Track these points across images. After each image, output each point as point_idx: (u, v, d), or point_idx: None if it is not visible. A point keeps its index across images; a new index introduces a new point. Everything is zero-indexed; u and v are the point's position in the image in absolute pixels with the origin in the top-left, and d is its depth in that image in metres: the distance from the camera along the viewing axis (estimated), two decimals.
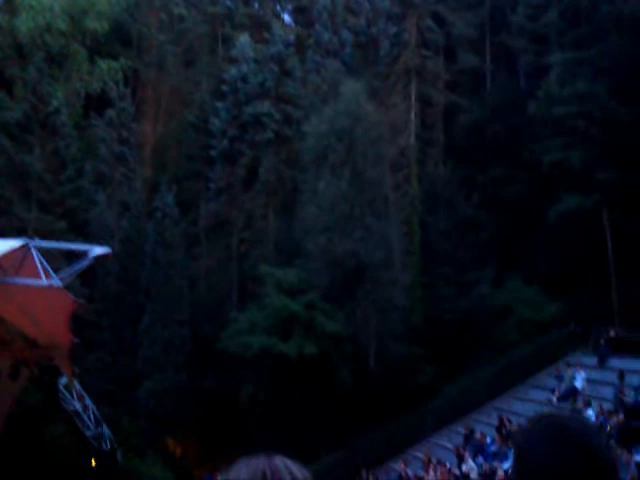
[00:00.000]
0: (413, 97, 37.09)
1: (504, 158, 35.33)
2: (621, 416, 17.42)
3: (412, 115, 36.60)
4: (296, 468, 1.66)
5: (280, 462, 1.66)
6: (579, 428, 1.64)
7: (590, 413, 18.32)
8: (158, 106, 45.09)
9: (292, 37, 42.49)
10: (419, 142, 36.50)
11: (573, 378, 23.88)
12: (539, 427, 1.67)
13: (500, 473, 16.51)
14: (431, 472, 20.83)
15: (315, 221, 31.50)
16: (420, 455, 24.73)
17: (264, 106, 37.79)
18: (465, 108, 37.83)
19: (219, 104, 39.23)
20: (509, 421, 21.60)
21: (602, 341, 26.30)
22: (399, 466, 24.12)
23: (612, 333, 26.23)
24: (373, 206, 31.63)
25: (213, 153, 38.45)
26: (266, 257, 33.91)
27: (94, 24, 43.82)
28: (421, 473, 21.86)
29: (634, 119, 32.27)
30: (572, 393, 22.88)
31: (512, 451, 1.69)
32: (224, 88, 39.30)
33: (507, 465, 16.61)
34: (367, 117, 32.69)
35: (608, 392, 21.44)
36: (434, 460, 22.01)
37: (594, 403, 19.97)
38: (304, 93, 37.98)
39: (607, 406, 19.77)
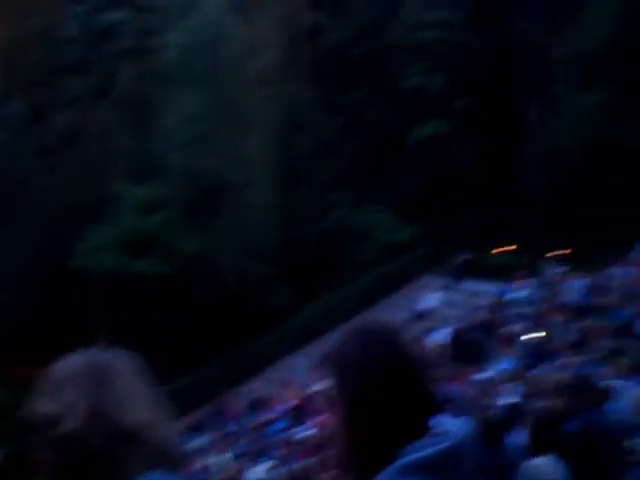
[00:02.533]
0: (277, 14, 36.26)
1: (367, 81, 35.44)
2: (468, 335, 18.31)
3: (275, 33, 35.83)
4: (124, 362, 1.63)
5: (104, 356, 1.63)
6: (382, 328, 1.75)
7: (438, 332, 19.12)
8: (8, 9, 41.76)
9: None
10: (283, 61, 35.90)
11: (425, 299, 24.85)
12: (347, 334, 1.76)
13: None
14: (287, 392, 21.22)
15: (174, 136, 30.41)
16: (277, 376, 25.08)
17: (122, 14, 35.89)
18: (329, 29, 37.49)
19: (75, 9, 36.89)
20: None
21: (454, 264, 27.41)
22: (256, 386, 24.40)
23: (464, 256, 27.35)
24: (235, 124, 31.00)
25: (67, 61, 36.25)
26: (122, 173, 32.63)
27: None
28: (278, 393, 22.24)
29: (489, 47, 33.37)
30: (423, 313, 23.82)
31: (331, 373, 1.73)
32: None
33: None
34: (230, 31, 31.79)
35: (457, 312, 22.49)
36: (289, 380, 22.42)
37: (444, 322, 20.90)
38: (166, 3, 36.31)
39: (455, 325, 20.76)
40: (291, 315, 29.27)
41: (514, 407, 10.24)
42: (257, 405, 23.02)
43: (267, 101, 32.90)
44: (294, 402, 19.67)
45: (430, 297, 24.79)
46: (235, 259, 29.86)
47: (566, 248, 23.35)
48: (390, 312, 26.62)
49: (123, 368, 1.61)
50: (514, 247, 26.62)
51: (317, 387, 19.86)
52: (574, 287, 17.46)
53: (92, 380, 1.57)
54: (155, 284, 28.75)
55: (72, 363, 1.61)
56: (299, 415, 18.43)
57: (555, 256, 22.67)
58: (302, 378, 22.69)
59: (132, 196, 30.80)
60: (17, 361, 30.43)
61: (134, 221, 29.98)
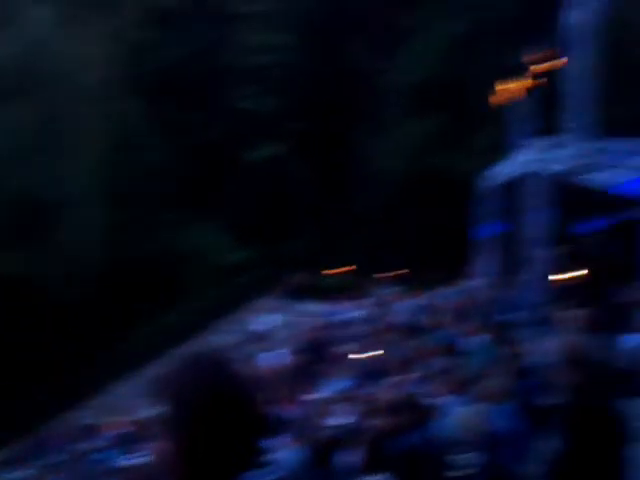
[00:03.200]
0: (105, 30, 35.31)
1: (203, 101, 35.18)
2: (301, 357, 18.42)
3: (104, 49, 34.82)
4: None
5: None
6: (213, 356, 1.77)
7: (272, 354, 19.10)
8: None
9: None
10: (113, 78, 34.94)
11: (258, 322, 24.83)
12: (181, 362, 1.76)
13: None
14: (116, 419, 20.51)
15: None
16: (106, 403, 24.19)
17: None
18: (163, 47, 36.89)
19: None
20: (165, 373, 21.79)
21: (287, 286, 27.65)
22: (79, 416, 23.44)
23: (297, 278, 27.65)
24: (59, 142, 29.74)
25: None
26: None
27: None
28: (106, 420, 21.42)
29: (321, 71, 34.21)
30: (256, 336, 23.76)
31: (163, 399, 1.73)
32: None
33: None
34: (54, 46, 30.63)
35: (290, 334, 22.60)
36: (116, 408, 21.70)
37: (277, 345, 20.93)
38: None
39: (289, 347, 20.85)
40: (120, 340, 28.25)
41: (347, 427, 10.36)
42: (84, 433, 22.05)
43: (94, 118, 31.80)
44: (123, 429, 18.98)
45: (265, 319, 24.80)
46: (58, 281, 28.46)
47: (399, 269, 24.18)
48: (225, 335, 26.38)
49: None
50: (349, 269, 27.23)
51: (147, 414, 19.30)
52: (406, 307, 18.07)
53: None
54: None
55: None
56: (128, 443, 17.78)
57: (388, 277, 23.41)
58: (132, 404, 21.98)
59: None
60: None
61: None
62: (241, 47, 35.58)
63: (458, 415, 8.00)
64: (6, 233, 28.66)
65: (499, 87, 16.63)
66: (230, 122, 34.31)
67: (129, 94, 34.63)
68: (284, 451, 8.74)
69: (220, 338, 26.10)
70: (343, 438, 9.77)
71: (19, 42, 30.16)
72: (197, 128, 34.74)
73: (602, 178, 13.44)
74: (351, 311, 20.40)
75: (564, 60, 14.61)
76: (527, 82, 16.13)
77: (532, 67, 15.56)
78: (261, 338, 23.12)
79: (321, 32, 35.20)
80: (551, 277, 12.26)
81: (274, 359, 18.30)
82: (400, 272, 24.05)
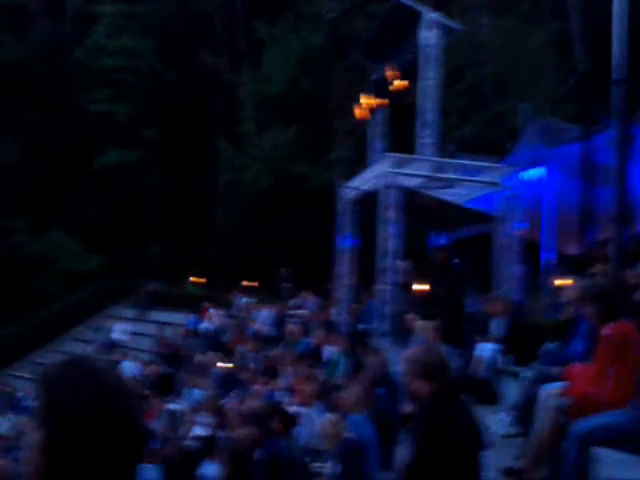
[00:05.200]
0: None
1: (48, 103, 33.81)
2: (158, 367, 18.20)
3: None
4: None
5: None
6: (98, 363, 1.69)
7: (128, 364, 18.74)
8: None
9: None
10: None
11: (112, 330, 24.24)
12: (65, 363, 1.67)
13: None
14: None
15: None
16: None
17: None
18: (6, 44, 35.08)
19: None
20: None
21: (142, 294, 27.14)
22: None
23: (152, 287, 27.20)
24: None
25: None
26: None
27: None
28: None
29: (177, 79, 33.89)
30: (111, 345, 23.20)
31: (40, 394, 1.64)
32: None
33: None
34: None
35: (146, 343, 22.26)
36: None
37: (133, 354, 20.55)
38: None
39: (145, 357, 20.55)
40: None
41: (206, 438, 10.36)
42: None
43: None
44: None
45: (118, 328, 24.23)
46: None
47: (256, 281, 24.30)
48: (77, 344, 25.60)
49: None
50: (204, 280, 27.08)
51: None
52: (262, 317, 18.23)
53: None
54: None
55: None
56: None
57: (244, 287, 23.48)
58: None
59: None
60: None
61: None
62: (94, 49, 34.62)
63: (316, 424, 8.21)
64: None
65: (357, 103, 17.16)
66: (82, 125, 33.23)
67: None
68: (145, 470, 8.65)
69: (75, 346, 25.31)
70: (205, 449, 9.76)
71: None
72: (46, 130, 33.33)
73: (454, 193, 14.18)
74: (207, 321, 20.34)
75: (416, 78, 15.31)
76: (383, 98, 16.74)
77: (389, 84, 16.16)
78: (115, 348, 22.58)
79: (179, 39, 34.83)
80: (405, 287, 12.77)
81: (130, 369, 17.96)
82: (256, 283, 24.21)
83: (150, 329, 23.36)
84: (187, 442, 10.87)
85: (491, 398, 9.05)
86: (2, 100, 32.95)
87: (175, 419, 12.85)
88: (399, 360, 5.51)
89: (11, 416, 18.89)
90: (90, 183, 32.60)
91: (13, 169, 31.77)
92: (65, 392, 1.59)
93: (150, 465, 8.84)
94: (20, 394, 20.75)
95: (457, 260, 12.34)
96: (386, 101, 16.75)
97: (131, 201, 33.15)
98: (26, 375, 23.16)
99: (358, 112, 17.11)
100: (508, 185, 13.28)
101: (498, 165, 14.23)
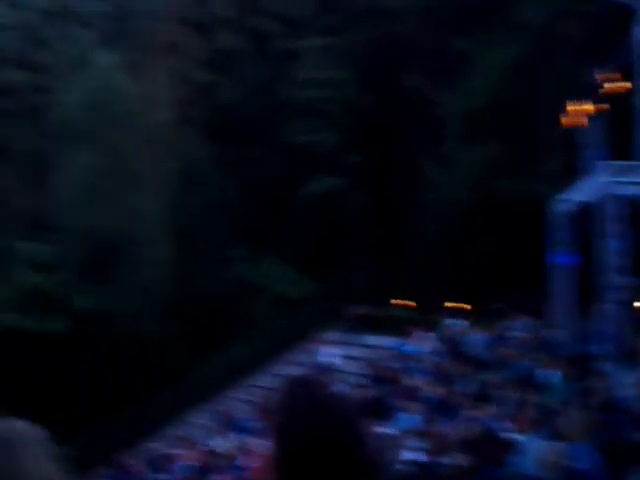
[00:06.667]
0: (169, 72, 36.30)
1: (259, 139, 35.60)
2: (368, 390, 18.07)
3: (169, 91, 35.77)
4: (29, 431, 1.67)
5: (9, 426, 1.67)
6: (324, 388, 1.70)
7: (342, 388, 18.79)
8: None
9: (44, 4, 39.71)
10: (177, 118, 35.81)
11: (323, 354, 24.54)
12: (290, 390, 1.70)
13: (254, 447, 16.42)
14: (183, 449, 20.40)
15: (68, 195, 30.08)
16: (173, 434, 24.20)
17: (13, 74, 35.34)
18: (222, 87, 37.64)
19: None
20: (264, 397, 21.72)
21: (350, 318, 27.34)
22: (152, 445, 23.46)
23: (359, 310, 27.33)
24: (129, 181, 30.69)
25: None
26: (17, 232, 31.81)
27: None
28: (176, 451, 21.37)
29: (377, 103, 34.24)
30: (322, 369, 23.48)
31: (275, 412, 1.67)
32: None
33: (259, 440, 16.56)
34: (122, 89, 31.73)
35: (355, 367, 22.27)
36: (189, 438, 21.62)
37: (343, 378, 20.62)
38: (57, 62, 35.87)
39: (354, 380, 20.52)
40: (187, 372, 28.53)
41: (419, 464, 9.98)
42: (157, 464, 22.06)
43: (161, 158, 32.63)
44: (193, 461, 18.89)
45: (328, 352, 24.49)
46: (131, 317, 29.13)
47: (464, 302, 23.64)
48: (289, 368, 26.22)
49: (28, 440, 1.65)
50: (410, 302, 26.81)
51: (218, 445, 19.22)
52: (474, 341, 17.55)
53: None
54: (50, 343, 27.83)
55: None
56: (199, 474, 17.69)
57: (453, 310, 22.89)
58: (201, 436, 21.97)
59: (27, 254, 30.18)
60: None
61: (29, 279, 29.30)
62: (298, 83, 35.99)
63: (536, 452, 7.58)
64: (81, 270, 29.63)
65: (568, 109, 16.15)
66: (289, 157, 34.63)
67: (193, 133, 35.39)
68: None
69: (288, 370, 25.97)
70: (416, 475, 9.40)
71: (89, 87, 31.35)
72: (257, 164, 35.18)
73: None
74: (418, 345, 19.94)
75: (633, 82, 14.16)
76: (597, 104, 15.64)
77: (601, 89, 15.08)
78: (326, 372, 22.80)
79: (376, 64, 35.30)
80: (633, 306, 11.69)
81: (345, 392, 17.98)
82: (466, 305, 23.52)
83: (359, 352, 23.41)
84: (397, 466, 10.54)
85: None
86: (221, 139, 35.24)
87: (387, 443, 12.59)
88: (627, 385, 4.88)
89: (231, 436, 19.58)
90: (297, 212, 33.75)
91: (229, 202, 33.75)
92: (296, 412, 1.63)
93: None
94: (238, 415, 21.48)
95: None
96: (604, 106, 15.61)
97: (339, 226, 33.84)
98: (243, 397, 24.01)
99: (569, 120, 16.11)
100: None
101: None
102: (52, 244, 30.48)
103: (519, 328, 17.28)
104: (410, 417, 13.14)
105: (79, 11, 37.97)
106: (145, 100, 33.28)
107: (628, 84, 14.58)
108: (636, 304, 11.50)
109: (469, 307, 23.39)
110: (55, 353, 28.07)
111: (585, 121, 15.94)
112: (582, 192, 13.75)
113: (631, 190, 12.27)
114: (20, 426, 1.69)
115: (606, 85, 14.87)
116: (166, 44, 36.72)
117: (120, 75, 32.24)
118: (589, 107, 15.65)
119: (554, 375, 11.21)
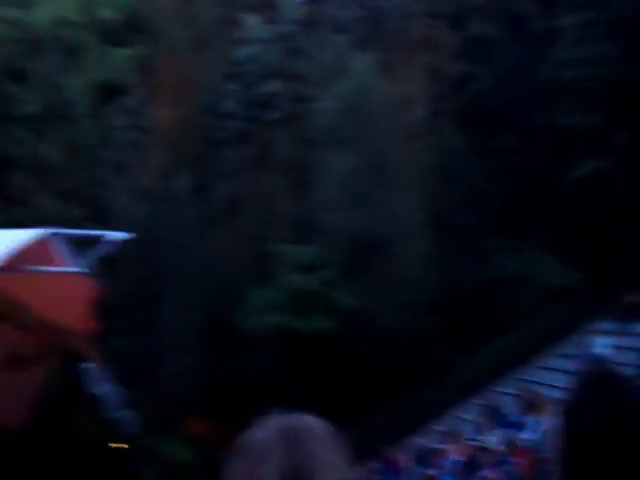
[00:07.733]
0: (423, 68, 36.71)
1: (515, 125, 34.87)
2: None
3: (423, 86, 36.20)
4: (318, 424, 1.74)
5: (300, 420, 1.74)
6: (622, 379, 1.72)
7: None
8: (171, 91, 44.99)
9: (300, 15, 42.18)
10: (430, 113, 36.15)
11: (594, 345, 23.66)
12: (585, 381, 1.74)
13: (520, 442, 16.34)
14: (451, 445, 20.69)
15: (328, 198, 31.59)
16: (440, 429, 24.60)
17: (274, 85, 37.74)
18: (475, 76, 37.32)
19: (230, 85, 39.21)
20: (531, 391, 21.42)
21: (624, 306, 26.03)
22: (420, 440, 23.98)
23: (632, 298, 25.93)
24: (386, 180, 31.52)
25: (225, 135, 38.46)
26: (281, 236, 34.01)
27: (107, 14, 43.91)
28: (442, 446, 21.75)
29: None
30: (595, 360, 22.66)
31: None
32: (234, 69, 39.26)
33: (527, 435, 16.47)
34: (378, 90, 32.63)
35: (630, 357, 21.27)
36: (456, 433, 21.85)
37: (618, 369, 19.72)
38: (314, 70, 37.79)
39: (630, 371, 19.58)
40: (452, 367, 28.80)
41: None
42: (425, 459, 22.52)
43: (417, 154, 33.18)
44: (461, 456, 19.11)
45: (600, 342, 23.57)
46: (394, 313, 29.94)
47: None
48: (558, 360, 25.60)
49: (318, 433, 1.73)
50: None
51: (486, 440, 19.25)
52: None
53: (289, 445, 1.68)
54: (317, 342, 29.40)
55: (269, 428, 1.73)
56: (467, 470, 17.89)
57: None
58: (468, 431, 22.13)
59: (293, 257, 31.94)
60: (191, 419, 31.79)
61: (296, 281, 31.01)
62: (557, 63, 34.63)
63: None
64: (343, 270, 31.02)
65: None
66: (548, 141, 33.53)
67: (447, 125, 35.61)
68: None
69: (556, 362, 25.40)
70: None
71: (346, 91, 32.78)
72: (514, 152, 34.46)
73: None
74: None
75: None
76: None
77: None
78: (600, 362, 21.99)
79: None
80: None
81: None
82: None
83: (633, 342, 22.32)
84: None
85: None
86: (477, 129, 35.05)
87: None
88: None
89: (498, 431, 19.58)
90: (561, 198, 32.66)
91: (486, 192, 33.52)
92: (587, 405, 1.66)
93: None
94: (505, 410, 21.36)
95: None
96: None
97: (605, 211, 32.26)
98: (510, 391, 23.87)
99: None
100: None
101: None
102: (315, 246, 32.13)
103: None
104: None
105: (333, 18, 39.72)
106: (401, 99, 34.05)
107: None
108: None
109: None
110: (323, 351, 29.62)
111: None
112: None
113: None
114: (308, 419, 1.77)
115: None
116: (419, 40, 37.34)
117: (376, 77, 33.26)
118: None
119: None
